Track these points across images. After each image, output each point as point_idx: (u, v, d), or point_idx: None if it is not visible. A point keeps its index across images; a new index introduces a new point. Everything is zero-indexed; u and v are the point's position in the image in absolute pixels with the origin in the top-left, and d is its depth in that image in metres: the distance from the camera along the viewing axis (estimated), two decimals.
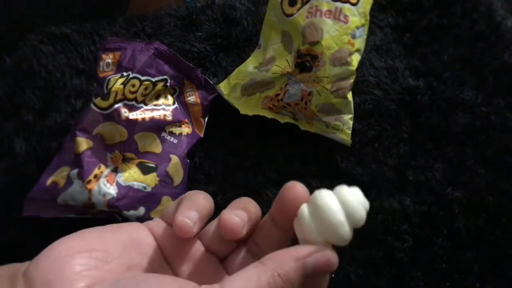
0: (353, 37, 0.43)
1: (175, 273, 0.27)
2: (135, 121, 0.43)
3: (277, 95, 0.45)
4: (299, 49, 0.44)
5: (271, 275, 0.22)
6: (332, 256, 0.23)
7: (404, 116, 0.46)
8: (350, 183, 0.43)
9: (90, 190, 0.40)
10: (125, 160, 0.43)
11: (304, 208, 0.24)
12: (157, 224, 0.28)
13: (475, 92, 0.46)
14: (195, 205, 0.26)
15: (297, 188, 0.25)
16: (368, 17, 0.44)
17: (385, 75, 0.48)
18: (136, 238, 0.26)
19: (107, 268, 0.23)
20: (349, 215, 0.22)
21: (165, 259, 0.27)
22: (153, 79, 0.44)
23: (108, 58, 0.44)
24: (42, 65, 0.51)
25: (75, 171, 0.41)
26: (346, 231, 0.22)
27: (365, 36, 0.45)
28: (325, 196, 0.23)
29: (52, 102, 0.49)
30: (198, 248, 0.27)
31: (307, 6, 0.44)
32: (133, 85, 0.43)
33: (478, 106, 0.46)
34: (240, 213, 0.26)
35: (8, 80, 0.51)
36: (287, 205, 0.25)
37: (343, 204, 0.23)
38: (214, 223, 0.28)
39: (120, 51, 0.44)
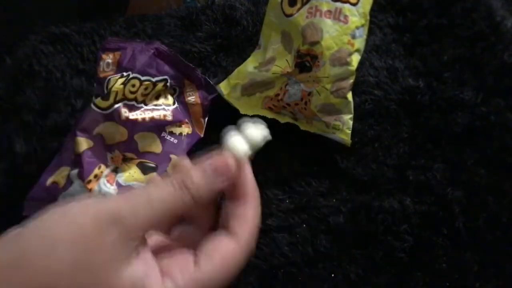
0: (353, 37, 0.43)
1: None
2: (135, 121, 0.43)
3: (277, 95, 0.45)
4: (299, 49, 0.44)
5: (174, 177, 0.24)
6: (227, 156, 0.26)
7: (404, 116, 0.46)
8: (350, 183, 0.44)
9: (90, 190, 0.40)
10: (125, 160, 0.43)
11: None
12: None
13: (475, 92, 0.46)
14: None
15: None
16: (368, 17, 0.44)
17: (385, 75, 0.48)
18: None
19: None
20: (246, 137, 0.28)
21: None
22: (153, 79, 0.44)
23: (108, 58, 0.44)
24: (42, 65, 0.51)
25: (75, 171, 0.41)
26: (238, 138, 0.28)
27: (365, 36, 0.45)
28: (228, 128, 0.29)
29: (52, 102, 0.49)
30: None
31: (307, 6, 0.44)
32: (133, 85, 0.43)
33: (478, 106, 0.46)
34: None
35: (8, 80, 0.51)
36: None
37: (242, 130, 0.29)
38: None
39: (120, 51, 0.44)
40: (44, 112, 0.49)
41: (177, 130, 0.45)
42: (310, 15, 0.43)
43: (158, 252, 0.25)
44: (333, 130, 0.44)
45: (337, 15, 0.43)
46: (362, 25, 0.44)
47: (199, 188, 0.25)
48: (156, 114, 0.44)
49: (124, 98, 0.42)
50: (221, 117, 0.47)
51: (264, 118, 0.45)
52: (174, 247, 0.26)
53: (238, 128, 0.29)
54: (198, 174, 0.25)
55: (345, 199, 0.43)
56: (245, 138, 0.28)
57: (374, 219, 0.42)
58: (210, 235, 0.26)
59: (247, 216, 0.26)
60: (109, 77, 0.43)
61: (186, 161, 0.27)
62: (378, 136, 0.46)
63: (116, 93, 0.42)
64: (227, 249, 0.25)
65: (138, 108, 0.43)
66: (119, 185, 0.41)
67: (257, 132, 0.29)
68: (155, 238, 0.27)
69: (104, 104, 0.42)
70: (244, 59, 0.48)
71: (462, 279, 0.40)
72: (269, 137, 0.30)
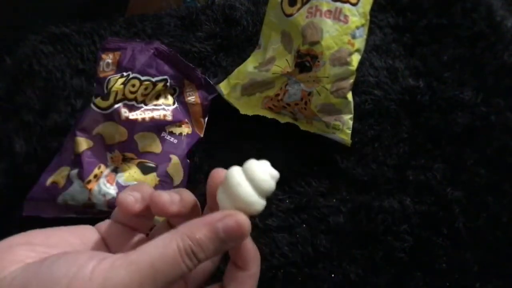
0: (353, 37, 0.43)
1: None
2: (135, 121, 0.43)
3: (277, 95, 0.45)
4: (299, 49, 0.44)
5: (181, 239, 0.22)
6: (242, 220, 0.24)
7: (404, 116, 0.46)
8: (350, 183, 0.44)
9: (90, 190, 0.40)
10: (125, 160, 0.43)
11: (220, 186, 0.26)
12: (105, 223, 0.29)
13: (475, 92, 0.46)
14: (135, 188, 0.27)
15: (218, 173, 0.27)
16: (368, 17, 0.44)
17: (385, 75, 0.48)
18: (81, 236, 0.27)
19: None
20: (250, 178, 0.24)
21: (110, 252, 0.27)
22: (153, 79, 0.44)
23: (108, 58, 0.44)
24: (42, 65, 0.51)
25: (75, 171, 0.41)
26: (247, 191, 0.24)
27: (365, 36, 0.45)
28: (231, 169, 0.25)
29: (52, 102, 0.49)
30: (142, 239, 0.29)
31: (307, 6, 0.44)
32: (133, 85, 0.43)
33: (478, 106, 0.46)
34: (171, 193, 0.27)
35: (8, 80, 0.51)
36: (212, 190, 0.27)
37: (245, 170, 0.25)
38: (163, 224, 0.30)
39: (120, 51, 0.44)
40: (44, 112, 0.49)
41: (177, 130, 0.45)
42: (310, 15, 0.43)
43: None
44: (333, 130, 0.44)
45: (337, 15, 0.43)
46: (362, 25, 0.44)
47: (207, 254, 0.23)
48: (156, 114, 0.44)
49: (124, 98, 0.42)
50: (221, 117, 0.48)
51: (264, 118, 0.46)
52: None
53: (246, 173, 0.25)
54: (208, 237, 0.23)
55: (345, 199, 0.43)
56: (257, 185, 0.25)
57: (374, 219, 0.42)
58: None
59: (246, 284, 0.26)
60: (109, 77, 0.43)
61: (166, 193, 0.26)
62: (378, 136, 0.46)
63: (116, 93, 0.42)
64: None
65: (138, 108, 0.43)
66: (119, 185, 0.41)
67: (269, 178, 0.25)
68: None
69: (104, 104, 0.42)
70: (244, 59, 0.48)
71: (462, 279, 0.40)
72: (278, 176, 0.26)
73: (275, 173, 0.26)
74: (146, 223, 0.29)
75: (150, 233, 0.30)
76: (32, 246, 0.24)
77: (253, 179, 0.24)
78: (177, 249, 0.22)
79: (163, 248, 0.22)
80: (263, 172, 0.25)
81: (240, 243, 0.26)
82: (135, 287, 0.21)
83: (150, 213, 0.27)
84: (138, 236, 0.29)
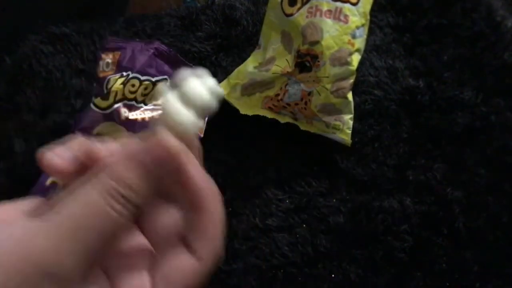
0: (353, 37, 0.43)
1: None
2: (135, 121, 0.43)
3: (277, 95, 0.45)
4: (299, 49, 0.44)
5: (102, 182, 0.18)
6: (171, 142, 0.19)
7: (404, 116, 0.46)
8: (350, 183, 0.44)
9: None
10: None
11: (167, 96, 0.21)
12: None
13: (475, 92, 0.46)
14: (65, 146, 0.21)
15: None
16: (368, 17, 0.44)
17: (385, 75, 0.48)
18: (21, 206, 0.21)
19: None
20: (187, 99, 0.20)
21: None
22: (153, 79, 0.44)
23: (108, 58, 0.44)
24: (42, 65, 0.51)
25: None
26: (181, 114, 0.20)
27: (365, 36, 0.45)
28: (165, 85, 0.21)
29: (52, 102, 0.49)
30: None
31: (307, 6, 0.44)
32: (133, 85, 0.43)
33: (478, 106, 0.46)
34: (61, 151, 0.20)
35: (8, 80, 0.51)
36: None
37: (182, 87, 0.20)
38: None
39: (120, 51, 0.44)
40: (44, 112, 0.49)
41: None
42: (310, 15, 0.43)
43: (111, 275, 0.20)
44: (333, 130, 0.44)
45: (337, 15, 0.43)
46: (362, 25, 0.44)
47: (143, 195, 0.19)
48: (156, 114, 0.44)
49: (123, 98, 0.42)
50: (221, 117, 0.48)
51: (264, 118, 0.46)
52: (131, 263, 0.20)
53: (178, 84, 0.20)
54: (134, 172, 0.18)
55: (345, 199, 0.43)
56: (190, 100, 0.20)
57: (374, 219, 0.42)
58: (169, 251, 0.21)
59: (206, 230, 0.21)
60: (109, 77, 0.43)
61: (103, 145, 0.20)
62: (378, 136, 0.46)
63: (116, 93, 0.42)
64: (187, 271, 0.20)
65: (138, 108, 0.43)
66: None
67: (204, 89, 0.20)
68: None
69: (103, 104, 0.42)
70: (244, 59, 0.48)
71: (462, 279, 0.40)
72: (222, 92, 0.21)
73: (217, 89, 0.21)
74: None
75: None
76: None
77: (186, 92, 0.20)
78: (100, 195, 0.18)
79: (85, 196, 0.18)
80: (199, 86, 0.20)
81: (180, 173, 0.20)
82: (61, 254, 0.17)
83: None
84: None
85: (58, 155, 0.20)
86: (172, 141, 0.19)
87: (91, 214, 0.18)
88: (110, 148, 0.20)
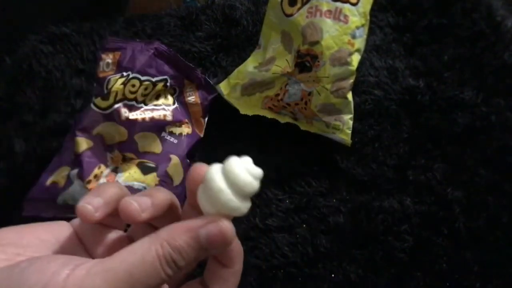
0: (353, 37, 0.43)
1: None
2: (135, 121, 0.43)
3: (277, 95, 0.45)
4: (299, 49, 0.44)
5: (161, 246, 0.21)
6: (225, 227, 0.22)
7: (404, 116, 0.46)
8: (350, 183, 0.44)
9: (90, 190, 0.40)
10: (125, 160, 0.43)
11: (201, 185, 0.24)
12: (79, 220, 0.27)
13: (475, 92, 0.46)
14: (99, 192, 0.25)
15: (198, 169, 0.25)
16: (368, 17, 0.44)
17: (385, 75, 0.48)
18: (55, 233, 0.25)
19: (18, 260, 0.22)
20: (232, 182, 0.23)
21: (86, 251, 0.26)
22: (153, 79, 0.44)
23: (108, 58, 0.44)
24: (42, 65, 0.51)
25: (75, 171, 0.41)
26: (230, 198, 0.22)
27: (365, 36, 0.45)
28: (211, 169, 0.23)
29: (52, 102, 0.49)
30: (118, 236, 0.27)
31: (307, 6, 0.44)
32: (133, 85, 0.43)
33: (478, 106, 0.46)
34: (141, 199, 0.25)
35: (8, 80, 0.51)
36: (192, 187, 0.25)
37: (226, 173, 0.23)
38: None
39: (120, 51, 0.44)
40: (43, 112, 0.49)
41: (177, 130, 0.45)
42: (310, 15, 0.43)
43: None
44: (333, 130, 0.44)
45: (337, 15, 0.43)
46: (362, 25, 0.44)
47: (188, 261, 0.22)
48: (156, 114, 0.44)
49: (124, 98, 0.42)
50: (221, 117, 0.48)
51: (264, 118, 0.46)
52: None
53: (227, 176, 0.23)
54: (190, 245, 0.22)
55: (345, 199, 0.43)
56: (238, 191, 0.23)
57: (374, 219, 0.42)
58: None
59: (229, 282, 0.26)
60: (109, 77, 0.43)
61: (135, 200, 0.24)
62: (378, 136, 0.46)
63: (116, 93, 0.42)
64: None
65: (138, 108, 0.43)
66: None
67: (251, 179, 0.23)
68: None
69: (104, 104, 0.42)
70: (244, 59, 0.48)
71: (462, 279, 0.40)
72: (261, 173, 0.24)
73: (258, 172, 0.24)
74: (120, 221, 0.27)
75: (128, 230, 0.29)
76: (2, 247, 0.23)
77: (235, 183, 0.22)
78: (156, 257, 0.21)
79: (142, 255, 0.21)
80: (245, 174, 0.23)
81: (224, 250, 0.24)
82: None
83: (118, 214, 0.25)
84: (115, 233, 0.27)
85: (89, 205, 0.24)
86: (229, 228, 0.23)
87: (147, 270, 0.21)
88: (141, 202, 0.24)
